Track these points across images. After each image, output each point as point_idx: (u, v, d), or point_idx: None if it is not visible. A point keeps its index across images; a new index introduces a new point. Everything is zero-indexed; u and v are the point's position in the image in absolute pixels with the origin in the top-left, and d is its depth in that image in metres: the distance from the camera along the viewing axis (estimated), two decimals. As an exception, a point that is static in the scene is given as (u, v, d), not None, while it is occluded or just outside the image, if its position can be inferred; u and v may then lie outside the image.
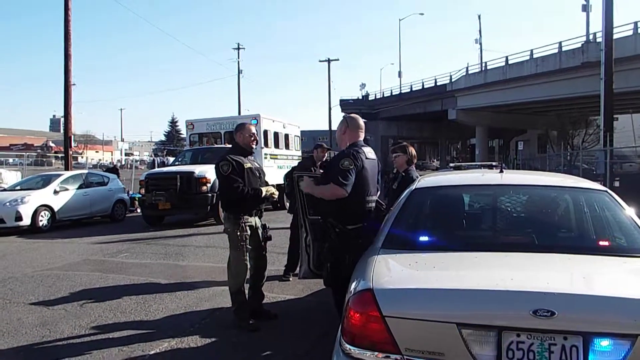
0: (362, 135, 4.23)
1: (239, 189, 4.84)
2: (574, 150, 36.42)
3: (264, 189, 5.03)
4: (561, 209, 3.73)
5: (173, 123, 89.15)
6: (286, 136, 18.60)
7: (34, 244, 11.07)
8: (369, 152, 4.16)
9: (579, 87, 32.88)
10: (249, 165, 5.03)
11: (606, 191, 3.58)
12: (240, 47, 51.62)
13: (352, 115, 4.45)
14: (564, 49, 33.95)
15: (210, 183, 12.97)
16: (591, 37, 32.92)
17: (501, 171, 4.04)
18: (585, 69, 31.04)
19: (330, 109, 56.90)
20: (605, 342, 2.22)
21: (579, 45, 32.67)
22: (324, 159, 7.35)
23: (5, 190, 15.05)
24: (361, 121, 4.32)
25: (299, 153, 20.06)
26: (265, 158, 15.44)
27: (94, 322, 5.32)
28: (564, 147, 39.15)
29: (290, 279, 6.86)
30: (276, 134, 17.59)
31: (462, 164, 6.29)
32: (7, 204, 12.82)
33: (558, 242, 3.27)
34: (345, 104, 64.16)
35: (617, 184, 15.75)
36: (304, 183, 4.27)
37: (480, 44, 56.90)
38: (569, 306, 2.25)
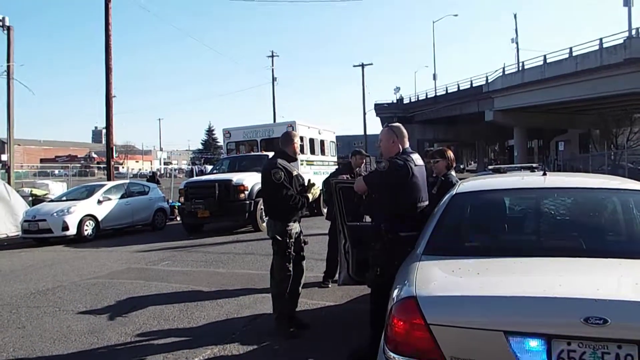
0: (407, 143, 4.32)
1: (293, 197, 4.90)
2: (618, 150, 35.24)
3: (310, 195, 5.09)
4: (609, 212, 3.60)
5: (210, 131, 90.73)
6: (322, 142, 18.67)
7: (80, 253, 11.43)
8: (417, 159, 4.23)
9: (622, 84, 31.79)
10: (296, 172, 5.11)
11: (656, 192, 3.44)
12: (274, 54, 52.14)
13: (396, 124, 4.49)
14: (604, 45, 32.87)
15: (247, 190, 13.13)
16: (633, 32, 31.87)
17: (544, 174, 3.95)
18: (628, 66, 30.02)
19: (364, 113, 56.82)
20: (662, 351, 2.13)
21: (621, 41, 31.60)
22: (362, 165, 7.36)
23: (52, 201, 15.62)
24: (403, 129, 4.40)
25: (335, 159, 20.08)
26: (302, 164, 15.50)
27: (139, 330, 5.45)
28: (608, 146, 37.94)
29: (330, 285, 6.85)
30: (312, 140, 17.67)
31: (502, 166, 6.15)
32: (55, 214, 13.29)
33: (607, 246, 3.16)
34: (379, 108, 63.85)
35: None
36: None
37: (517, 43, 55.87)
38: (622, 313, 2.17)
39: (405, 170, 4.02)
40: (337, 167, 14.21)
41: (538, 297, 2.33)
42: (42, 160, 72.30)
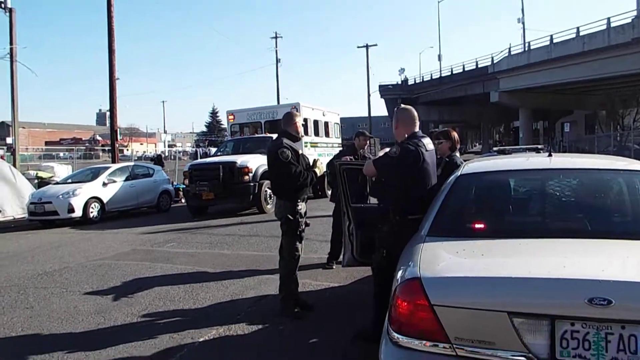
0: (417, 126, 4.21)
1: (303, 174, 4.92)
2: (625, 131, 34.99)
3: (317, 169, 5.13)
4: (614, 193, 3.58)
5: (214, 114, 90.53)
6: (326, 124, 18.61)
7: (86, 235, 11.52)
8: (427, 143, 4.14)
9: (629, 64, 31.37)
10: (301, 151, 5.15)
11: (663, 173, 3.42)
12: (277, 36, 51.74)
13: (404, 107, 4.39)
14: (612, 25, 32.38)
15: (252, 172, 13.15)
16: (642, 11, 31.36)
17: (550, 155, 3.92)
18: (636, 45, 29.60)
19: (369, 95, 56.48)
20: (666, 332, 2.13)
21: (629, 20, 31.13)
22: (365, 146, 7.34)
23: (57, 183, 15.69)
24: (414, 112, 4.27)
25: (339, 140, 20.04)
26: (306, 146, 15.46)
27: (145, 310, 5.51)
28: (614, 127, 37.64)
29: (334, 266, 6.88)
30: (316, 122, 17.62)
31: (507, 147, 6.11)
32: (60, 196, 13.37)
33: (612, 227, 3.15)
34: (384, 90, 63.50)
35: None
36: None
37: (523, 23, 55.02)
38: (626, 294, 2.17)
39: (416, 157, 3.96)
40: (340, 149, 14.18)
41: (542, 278, 2.33)
42: (47, 143, 72.44)
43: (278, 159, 4.91)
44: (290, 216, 4.97)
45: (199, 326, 4.89)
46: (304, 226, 5.12)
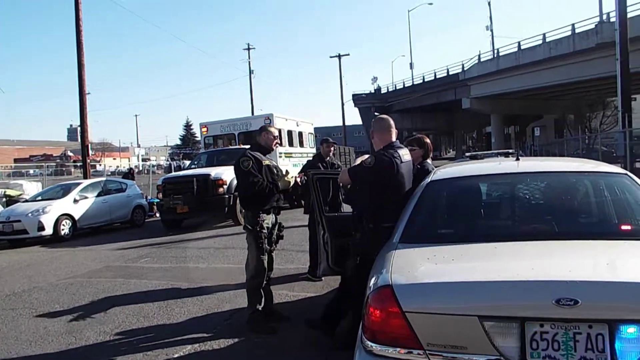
0: (394, 135, 4.20)
1: (259, 183, 4.87)
2: (592, 134, 35.90)
3: (279, 182, 5.04)
4: (581, 195, 3.66)
5: (188, 126, 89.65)
6: (300, 134, 18.63)
7: (57, 253, 11.24)
8: (404, 154, 4.13)
9: (594, 68, 32.27)
10: (267, 162, 5.09)
11: (626, 174, 3.51)
12: (250, 47, 51.76)
13: (380, 116, 4.41)
14: (577, 30, 33.31)
15: (226, 185, 13.03)
16: (604, 17, 32.31)
17: (517, 159, 3.99)
18: (600, 50, 30.45)
19: (342, 104, 56.78)
20: (631, 329, 2.17)
21: (593, 26, 32.02)
22: (331, 153, 7.41)
23: (26, 201, 15.33)
24: (390, 121, 4.26)
25: (314, 150, 20.04)
26: (280, 157, 15.44)
27: (118, 328, 5.39)
28: (582, 130, 38.64)
29: (321, 277, 6.77)
30: (290, 133, 17.61)
31: (479, 153, 6.18)
32: (30, 214, 13.06)
33: (579, 228, 3.20)
34: (357, 99, 63.98)
35: (638, 165, 15.49)
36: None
37: (492, 30, 56.07)
38: (592, 294, 2.20)
39: (390, 167, 3.95)
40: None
41: (511, 281, 2.35)
42: (16, 160, 70.82)
43: (239, 167, 4.95)
44: (249, 226, 4.94)
45: (174, 342, 4.81)
46: (265, 239, 4.98)
